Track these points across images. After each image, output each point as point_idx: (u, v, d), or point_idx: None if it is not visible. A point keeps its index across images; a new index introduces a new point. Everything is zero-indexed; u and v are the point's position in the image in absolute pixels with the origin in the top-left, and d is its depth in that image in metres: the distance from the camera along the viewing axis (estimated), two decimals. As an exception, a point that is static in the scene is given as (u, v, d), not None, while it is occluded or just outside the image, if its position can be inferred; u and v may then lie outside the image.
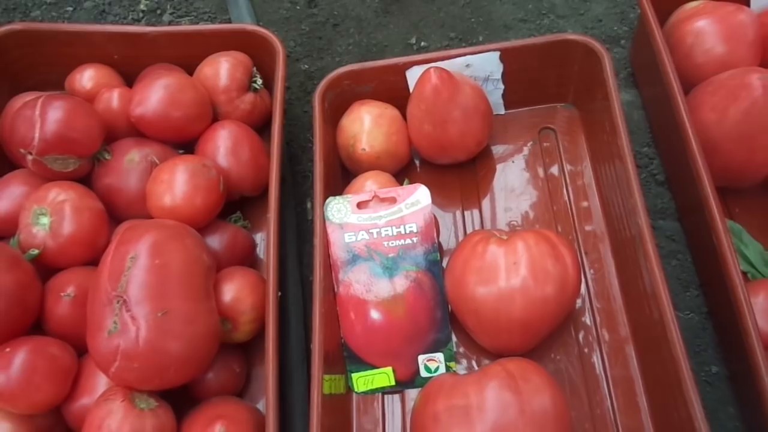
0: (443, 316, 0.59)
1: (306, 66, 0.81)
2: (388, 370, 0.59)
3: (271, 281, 0.55)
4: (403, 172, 0.69)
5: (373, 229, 0.59)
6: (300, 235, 0.68)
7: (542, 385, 0.48)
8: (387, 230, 0.59)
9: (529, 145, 0.70)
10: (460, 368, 0.59)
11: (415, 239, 0.59)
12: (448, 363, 0.59)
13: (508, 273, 0.53)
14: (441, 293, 0.59)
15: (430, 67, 0.61)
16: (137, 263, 0.49)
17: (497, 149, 0.71)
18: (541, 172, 0.69)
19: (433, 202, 0.67)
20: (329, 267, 0.59)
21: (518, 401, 0.46)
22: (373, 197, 0.60)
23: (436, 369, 0.59)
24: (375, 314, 0.59)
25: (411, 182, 0.63)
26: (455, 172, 0.69)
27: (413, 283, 0.59)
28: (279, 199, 0.59)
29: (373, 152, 0.64)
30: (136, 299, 0.48)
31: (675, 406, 0.50)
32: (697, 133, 0.57)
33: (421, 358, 0.59)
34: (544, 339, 0.57)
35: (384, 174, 0.64)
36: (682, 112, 0.57)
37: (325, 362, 0.54)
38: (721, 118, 0.58)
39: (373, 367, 0.59)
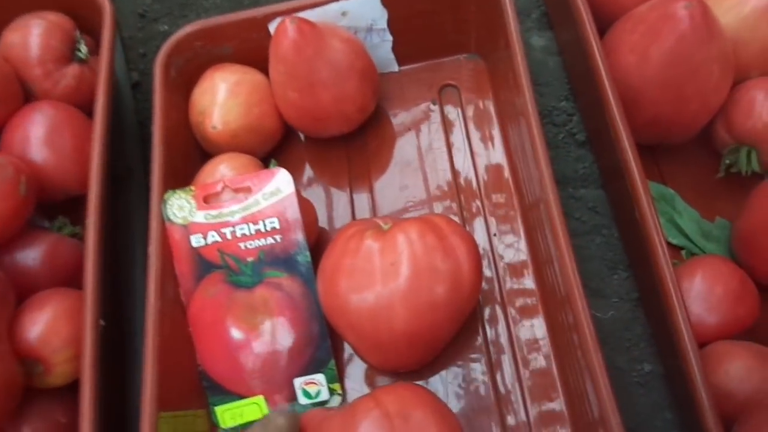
0: (320, 329, 0.47)
1: (165, 27, 0.67)
2: (259, 399, 0.48)
3: (89, 306, 0.43)
4: (278, 152, 0.57)
5: (225, 228, 0.47)
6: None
7: (425, 422, 0.37)
8: (242, 228, 0.47)
9: (428, 107, 0.59)
10: (351, 390, 0.48)
11: (278, 237, 0.47)
12: (331, 386, 0.48)
13: (385, 275, 0.42)
14: (316, 302, 0.47)
15: (286, 18, 0.49)
16: None
17: (392, 115, 0.59)
18: (442, 138, 0.57)
19: (317, 186, 0.56)
20: (174, 280, 0.47)
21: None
22: (222, 188, 0.48)
23: (317, 393, 0.48)
24: (236, 333, 0.47)
25: (283, 165, 0.51)
26: (341, 147, 0.58)
27: (280, 293, 0.47)
28: (104, 197, 0.47)
29: (228, 130, 0.52)
30: None
31: (595, 420, 0.40)
32: (615, 80, 0.46)
33: (298, 382, 0.48)
34: (443, 349, 0.46)
35: (242, 156, 0.51)
36: (596, 54, 0.46)
37: (173, 397, 0.43)
38: (642, 61, 0.47)
39: (240, 397, 0.48)
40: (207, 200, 0.48)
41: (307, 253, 0.48)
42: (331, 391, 0.48)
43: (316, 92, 0.51)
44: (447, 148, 0.57)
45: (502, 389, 0.47)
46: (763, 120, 0.47)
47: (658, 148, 0.53)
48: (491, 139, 0.56)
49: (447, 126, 0.58)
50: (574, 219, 0.53)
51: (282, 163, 0.57)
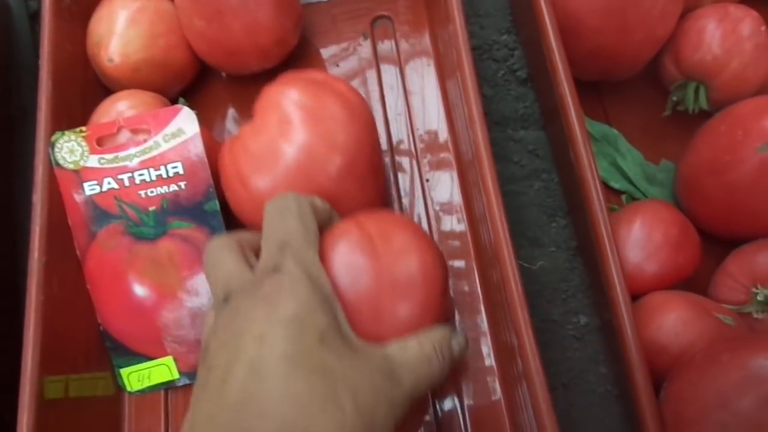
0: None
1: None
2: (167, 360, 0.44)
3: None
4: (194, 92, 0.52)
5: (122, 174, 0.42)
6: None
7: (407, 244, 0.35)
8: (142, 174, 0.42)
9: (359, 41, 0.54)
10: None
11: (182, 184, 0.43)
12: None
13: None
14: None
15: (185, -67, 0.43)
16: None
17: (319, 50, 0.54)
18: (374, 75, 0.52)
19: (240, 127, 0.51)
20: (65, 232, 0.43)
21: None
22: (119, 129, 0.43)
23: None
24: (139, 290, 0.43)
25: (200, 105, 0.45)
26: (265, 85, 0.52)
27: (186, 245, 0.43)
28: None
29: (128, 63, 0.46)
30: None
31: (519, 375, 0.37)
32: (554, 6, 0.41)
33: None
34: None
35: (144, 93, 0.46)
36: (533, -22, 0.42)
37: (66, 360, 0.39)
38: (583, -15, 0.42)
39: (148, 358, 0.44)
40: (101, 142, 0.43)
41: (215, 201, 0.43)
42: None
43: (225, 20, 0.45)
44: (379, 86, 0.52)
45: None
46: (713, 53, 0.43)
47: (603, 86, 0.49)
48: (426, 76, 0.52)
49: (379, 62, 0.53)
50: (513, 163, 0.49)
51: (199, 104, 0.52)
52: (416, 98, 0.51)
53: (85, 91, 0.49)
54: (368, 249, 0.34)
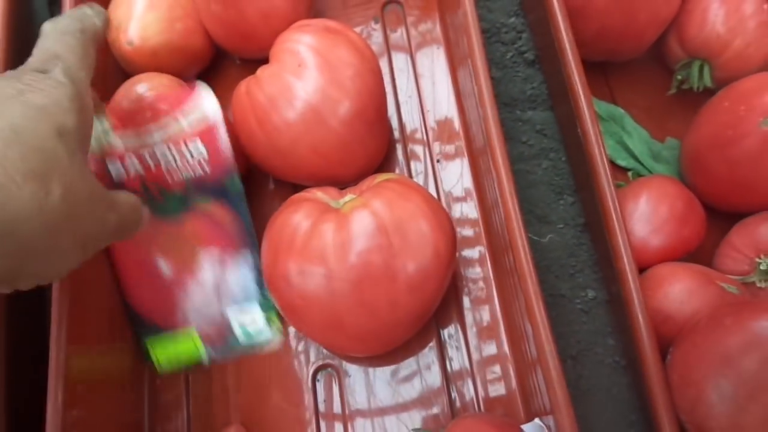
0: (253, 258, 0.44)
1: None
2: (191, 331, 0.45)
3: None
4: (209, 76, 0.53)
5: (145, 151, 0.43)
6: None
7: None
8: (167, 153, 0.43)
9: (370, 27, 0.55)
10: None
11: (207, 168, 0.43)
12: (268, 315, 0.45)
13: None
14: (247, 229, 0.44)
15: None
16: None
17: (331, 35, 0.55)
18: (385, 59, 0.53)
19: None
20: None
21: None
22: (139, 108, 0.44)
23: (258, 332, 0.45)
24: (163, 265, 0.45)
25: (215, 90, 0.46)
26: (277, 69, 0.53)
27: (209, 221, 0.44)
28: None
29: (146, 47, 0.47)
30: None
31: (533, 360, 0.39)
32: (561, -12, 0.42)
33: (232, 315, 0.45)
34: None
35: (163, 76, 0.47)
36: (541, -40, 0.43)
37: (89, 333, 0.41)
38: (589, -34, 0.43)
39: (172, 330, 0.45)
40: (123, 121, 0.44)
41: (238, 181, 0.44)
42: (270, 324, 0.45)
43: (240, 5, 0.46)
44: (390, 69, 0.53)
45: (444, 335, 0.45)
46: (717, 31, 0.44)
47: (609, 66, 0.50)
48: (437, 59, 0.53)
49: (390, 46, 0.54)
50: (521, 143, 0.50)
51: (213, 88, 0.52)
52: (426, 81, 0.52)
53: (105, 75, 0.50)
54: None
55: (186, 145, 0.43)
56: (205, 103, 0.43)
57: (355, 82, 0.42)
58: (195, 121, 0.43)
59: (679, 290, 0.39)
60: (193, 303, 0.45)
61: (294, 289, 0.38)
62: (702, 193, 0.44)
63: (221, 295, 0.45)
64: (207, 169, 0.43)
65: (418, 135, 0.51)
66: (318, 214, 0.39)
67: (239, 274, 0.45)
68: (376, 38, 0.54)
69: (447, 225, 0.40)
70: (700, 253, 0.43)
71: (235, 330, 0.45)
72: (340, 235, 0.38)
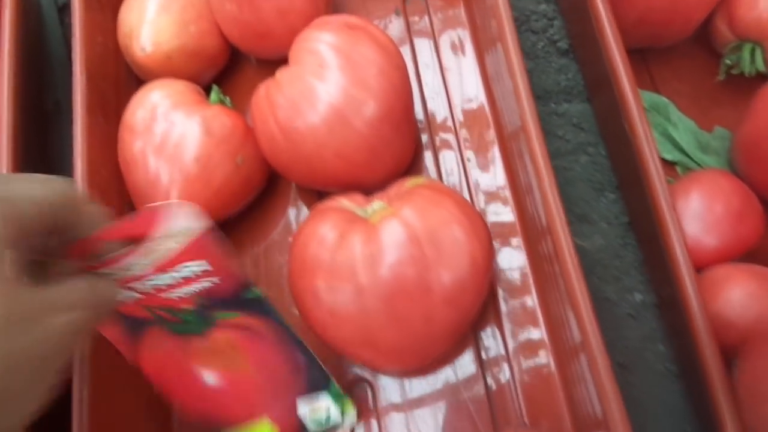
0: (303, 352, 0.38)
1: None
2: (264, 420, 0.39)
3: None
4: (225, 79, 0.51)
5: (134, 282, 0.31)
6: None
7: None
8: (163, 279, 0.32)
9: (390, 20, 0.52)
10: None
11: (214, 279, 0.33)
12: (337, 402, 0.40)
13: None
14: (287, 332, 0.37)
15: None
16: None
17: (350, 30, 0.52)
18: (408, 54, 0.51)
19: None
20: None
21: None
22: (102, 242, 0.30)
23: (327, 419, 0.40)
24: (212, 379, 0.38)
25: (231, 92, 0.43)
26: (295, 69, 0.51)
27: (240, 330, 0.37)
28: (18, 138, 0.41)
29: (160, 52, 0.45)
30: None
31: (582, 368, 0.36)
32: (599, -29, 0.39)
33: (303, 409, 0.39)
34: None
35: (178, 82, 0.45)
36: (577, -59, 0.40)
37: None
38: (630, -54, 0.40)
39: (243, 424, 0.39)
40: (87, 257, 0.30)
41: (253, 287, 0.35)
42: (342, 410, 0.40)
43: (256, 2, 0.44)
44: (414, 64, 0.50)
45: (483, 344, 0.43)
46: (771, 10, 0.40)
47: (650, 52, 0.47)
48: (463, 51, 0.50)
49: (413, 39, 0.51)
50: (557, 137, 0.47)
51: (231, 90, 0.51)
52: (453, 74, 0.50)
53: (118, 83, 0.48)
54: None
55: (180, 265, 0.32)
56: (184, 220, 0.30)
57: (380, 80, 0.40)
58: (183, 240, 0.30)
59: (740, 294, 0.36)
60: (262, 404, 0.39)
61: (323, 305, 0.36)
62: (760, 186, 0.40)
63: (286, 393, 0.39)
64: (217, 281, 0.33)
65: (447, 133, 0.48)
66: (345, 225, 0.37)
67: (294, 371, 0.39)
68: (399, 32, 0.52)
69: (483, 231, 0.38)
70: (758, 252, 0.40)
71: (308, 427, 0.40)
72: (369, 247, 0.35)
